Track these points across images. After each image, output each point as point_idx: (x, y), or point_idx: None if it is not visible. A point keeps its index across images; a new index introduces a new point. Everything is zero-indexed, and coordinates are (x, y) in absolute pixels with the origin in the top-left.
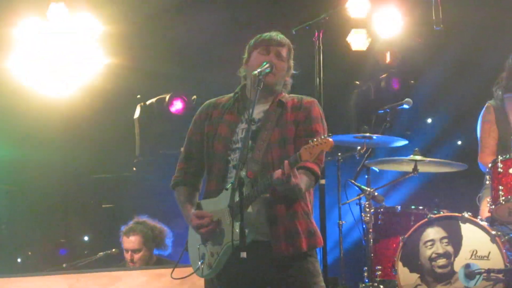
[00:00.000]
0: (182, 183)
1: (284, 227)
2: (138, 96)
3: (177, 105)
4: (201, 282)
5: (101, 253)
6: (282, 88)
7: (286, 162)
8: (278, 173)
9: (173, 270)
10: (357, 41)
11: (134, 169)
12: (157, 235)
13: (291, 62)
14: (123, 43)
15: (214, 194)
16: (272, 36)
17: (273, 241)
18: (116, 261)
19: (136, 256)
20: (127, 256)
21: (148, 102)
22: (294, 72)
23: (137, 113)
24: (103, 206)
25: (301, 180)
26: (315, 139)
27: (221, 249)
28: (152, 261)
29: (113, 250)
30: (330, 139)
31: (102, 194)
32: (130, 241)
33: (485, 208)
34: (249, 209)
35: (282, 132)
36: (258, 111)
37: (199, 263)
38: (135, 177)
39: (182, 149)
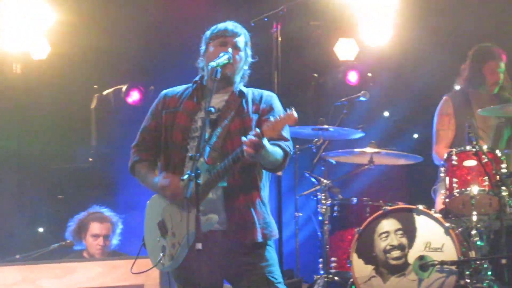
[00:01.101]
0: (141, 161)
1: (241, 216)
2: (95, 86)
3: (134, 96)
4: (155, 273)
5: (56, 244)
6: (240, 78)
7: (252, 137)
8: (247, 149)
9: (133, 264)
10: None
11: (90, 159)
12: (114, 226)
13: (249, 51)
14: (79, 33)
15: None
16: (228, 27)
17: (229, 230)
18: (70, 253)
19: (107, 243)
20: (97, 241)
21: (104, 93)
22: (252, 60)
23: (93, 104)
24: (58, 197)
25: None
26: (276, 116)
27: (182, 239)
28: (107, 254)
29: (68, 241)
30: (295, 114)
31: (58, 185)
32: (103, 227)
33: (440, 200)
34: (210, 195)
35: (243, 122)
36: (218, 101)
37: (161, 255)
38: (91, 168)
39: (136, 138)
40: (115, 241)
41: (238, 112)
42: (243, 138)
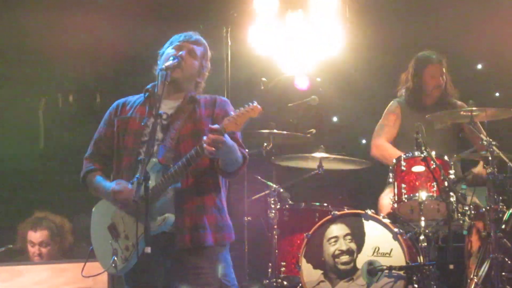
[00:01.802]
0: (92, 171)
1: (191, 219)
2: (43, 89)
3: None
4: (104, 277)
5: (2, 248)
6: (193, 88)
7: (211, 134)
8: (208, 148)
9: (83, 267)
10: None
11: (38, 161)
12: (60, 229)
13: (206, 64)
14: (28, 35)
15: None
16: (190, 35)
17: (178, 233)
18: (17, 256)
19: (44, 250)
20: (34, 250)
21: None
22: (207, 74)
23: (41, 107)
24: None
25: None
26: (237, 110)
27: (136, 242)
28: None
29: (14, 244)
30: (259, 106)
31: (4, 187)
32: (38, 235)
33: (385, 205)
34: (164, 196)
35: (196, 125)
36: (169, 107)
37: (113, 258)
38: (38, 169)
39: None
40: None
41: (190, 117)
42: (204, 138)
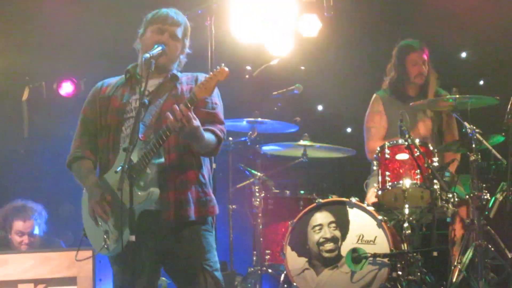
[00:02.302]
0: (80, 158)
1: (174, 194)
2: (27, 78)
3: (67, 88)
4: (89, 265)
5: None
6: (176, 66)
7: (181, 105)
8: (170, 119)
9: (77, 253)
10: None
11: (23, 151)
12: (40, 216)
13: (186, 41)
14: (12, 24)
15: (111, 165)
16: (170, 14)
17: (162, 209)
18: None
19: (32, 239)
20: (22, 239)
21: (37, 84)
22: (189, 51)
23: (25, 95)
24: None
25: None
26: (207, 75)
27: (124, 220)
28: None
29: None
30: (226, 68)
31: None
32: (28, 225)
33: (371, 194)
34: (147, 171)
35: (176, 102)
36: (150, 85)
37: (104, 237)
38: (23, 159)
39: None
40: (38, 230)
41: (172, 93)
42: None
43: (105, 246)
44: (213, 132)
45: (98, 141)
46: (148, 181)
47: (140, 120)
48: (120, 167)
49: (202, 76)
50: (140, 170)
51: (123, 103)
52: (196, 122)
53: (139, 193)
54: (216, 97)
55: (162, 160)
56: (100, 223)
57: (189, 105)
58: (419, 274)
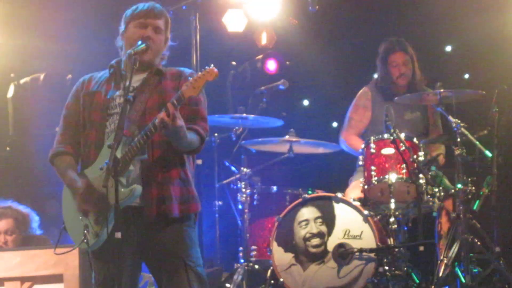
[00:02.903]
0: (62, 153)
1: (157, 191)
2: (12, 74)
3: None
4: (75, 262)
5: None
6: (159, 60)
7: (169, 103)
8: (161, 114)
9: (55, 247)
10: (233, 22)
11: (8, 148)
12: (25, 219)
13: (169, 34)
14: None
15: (93, 160)
16: (149, 8)
17: (145, 205)
18: None
19: (10, 238)
20: (0, 239)
21: (21, 81)
22: (172, 43)
23: (10, 92)
24: None
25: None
26: (195, 75)
27: (107, 216)
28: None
29: None
30: (215, 69)
31: None
32: (3, 224)
33: (352, 188)
34: (130, 168)
35: (161, 97)
36: (135, 80)
37: (85, 232)
38: (9, 157)
39: (58, 128)
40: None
41: (156, 88)
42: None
43: (85, 240)
44: (196, 131)
45: (81, 136)
46: (131, 177)
47: (124, 117)
48: (105, 164)
49: (187, 72)
50: (123, 166)
51: (107, 99)
52: (180, 122)
53: (122, 189)
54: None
55: (146, 156)
56: (80, 217)
57: (176, 104)
58: (405, 268)
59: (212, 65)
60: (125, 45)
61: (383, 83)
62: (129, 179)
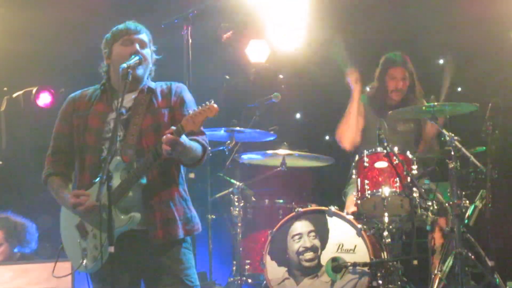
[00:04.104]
0: (54, 174)
1: (161, 213)
2: (5, 88)
3: (45, 99)
4: (68, 277)
5: None
6: (148, 75)
7: (169, 135)
8: (164, 148)
9: (54, 267)
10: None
11: (1, 162)
12: (19, 232)
13: (152, 48)
14: None
15: (88, 186)
16: (130, 25)
17: (150, 229)
18: None
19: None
20: None
21: (14, 95)
22: (156, 57)
23: (3, 106)
24: None
25: (190, 142)
26: (195, 109)
27: (101, 244)
28: (14, 258)
29: None
30: (215, 105)
31: None
32: None
33: (350, 203)
34: (129, 194)
35: (155, 118)
36: (127, 100)
37: (83, 254)
38: (1, 170)
39: (50, 145)
40: (25, 247)
41: (149, 108)
42: (164, 137)
43: (83, 264)
44: (197, 141)
45: (76, 158)
46: (130, 203)
47: (116, 133)
48: (99, 178)
49: (177, 87)
50: (121, 193)
51: (100, 123)
52: (181, 147)
53: (121, 216)
54: (191, 106)
55: (145, 181)
56: (78, 240)
57: (176, 136)
58: (399, 283)
59: (212, 101)
60: (114, 66)
61: (378, 93)
62: (128, 205)
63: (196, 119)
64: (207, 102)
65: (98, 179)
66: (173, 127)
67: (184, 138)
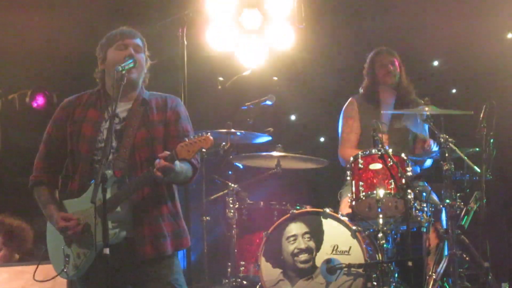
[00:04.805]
0: (42, 183)
1: (150, 229)
2: None
3: (39, 101)
4: (63, 279)
5: None
6: (142, 82)
7: (162, 160)
8: (155, 172)
9: (35, 270)
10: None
11: None
12: (18, 234)
13: (147, 53)
14: None
15: (77, 194)
16: (123, 30)
17: (138, 243)
18: None
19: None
20: None
21: (9, 97)
22: (150, 62)
23: None
24: None
25: (181, 166)
26: (192, 137)
27: (89, 251)
28: (14, 260)
29: None
30: (210, 137)
31: None
32: None
33: (345, 204)
34: (118, 209)
35: (149, 132)
36: (121, 110)
37: (66, 260)
38: None
39: (40, 149)
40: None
41: (143, 121)
42: (157, 161)
43: (65, 270)
44: (189, 162)
45: (70, 164)
46: (118, 219)
47: (109, 143)
48: (93, 182)
49: (172, 101)
50: (110, 208)
51: (94, 132)
52: (171, 171)
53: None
54: (186, 122)
55: (135, 196)
56: (63, 247)
57: (169, 162)
58: (394, 284)
59: (209, 132)
60: (108, 71)
61: (370, 87)
62: (115, 221)
63: (191, 148)
64: (203, 133)
65: (93, 181)
66: (167, 152)
67: (176, 164)
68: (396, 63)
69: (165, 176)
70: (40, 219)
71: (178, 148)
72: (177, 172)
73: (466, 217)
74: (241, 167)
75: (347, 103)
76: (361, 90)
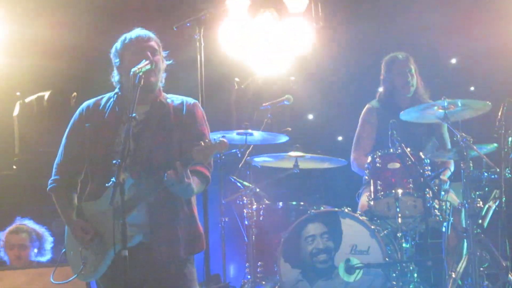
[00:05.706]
0: (60, 187)
1: (165, 232)
2: (18, 93)
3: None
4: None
5: None
6: (159, 84)
7: (178, 162)
8: (171, 173)
9: (53, 272)
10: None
11: (14, 167)
12: (38, 240)
13: (163, 54)
14: (2, 40)
15: (95, 196)
16: (140, 33)
17: (154, 245)
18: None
19: (23, 253)
20: (14, 253)
21: (27, 100)
22: (167, 62)
23: (16, 111)
24: None
25: (193, 181)
26: (207, 141)
27: (106, 253)
28: (32, 265)
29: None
30: (226, 141)
31: None
32: (19, 238)
33: (364, 204)
34: (134, 212)
35: (166, 135)
36: (139, 112)
37: (82, 262)
38: (15, 175)
39: (59, 153)
40: (36, 252)
41: (161, 124)
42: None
43: (82, 272)
44: (201, 174)
45: (89, 168)
46: (135, 221)
47: (127, 145)
48: (112, 182)
49: (189, 104)
50: (128, 209)
51: (111, 135)
52: (188, 180)
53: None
54: (203, 125)
55: (151, 199)
56: (80, 249)
57: (184, 165)
58: (413, 284)
59: (224, 136)
60: (126, 75)
61: (388, 95)
62: (132, 222)
63: (207, 152)
64: (220, 138)
65: (111, 182)
66: (179, 162)
67: (191, 185)
68: (413, 71)
69: (179, 183)
70: (60, 221)
71: (194, 152)
72: (183, 188)
73: (485, 216)
74: (259, 167)
75: (365, 108)
76: (378, 96)
